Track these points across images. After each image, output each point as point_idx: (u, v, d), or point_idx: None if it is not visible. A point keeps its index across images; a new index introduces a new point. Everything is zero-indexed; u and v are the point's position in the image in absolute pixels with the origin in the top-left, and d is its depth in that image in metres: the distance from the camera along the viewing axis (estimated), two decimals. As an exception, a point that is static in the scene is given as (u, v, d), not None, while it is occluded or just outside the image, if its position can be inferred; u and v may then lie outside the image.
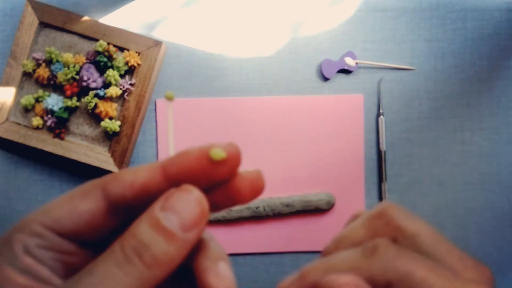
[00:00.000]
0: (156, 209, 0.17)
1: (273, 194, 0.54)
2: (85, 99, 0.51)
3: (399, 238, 0.21)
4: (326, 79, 0.55)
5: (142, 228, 0.16)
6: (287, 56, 0.55)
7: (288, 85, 0.55)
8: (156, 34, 0.54)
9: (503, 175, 0.56)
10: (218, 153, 0.17)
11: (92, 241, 0.19)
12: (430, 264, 0.20)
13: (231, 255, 0.55)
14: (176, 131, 0.54)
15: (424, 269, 0.19)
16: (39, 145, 0.52)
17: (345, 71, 0.55)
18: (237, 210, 0.53)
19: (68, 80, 0.52)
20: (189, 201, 0.17)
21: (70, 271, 0.18)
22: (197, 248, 0.19)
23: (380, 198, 0.55)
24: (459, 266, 0.21)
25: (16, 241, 0.17)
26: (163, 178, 0.18)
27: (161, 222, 0.16)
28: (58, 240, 0.18)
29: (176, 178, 0.18)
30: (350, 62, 0.54)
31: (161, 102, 0.54)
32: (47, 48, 0.51)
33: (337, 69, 0.54)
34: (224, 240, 0.54)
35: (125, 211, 0.18)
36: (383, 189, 0.54)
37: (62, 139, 0.52)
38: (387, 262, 0.19)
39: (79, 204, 0.18)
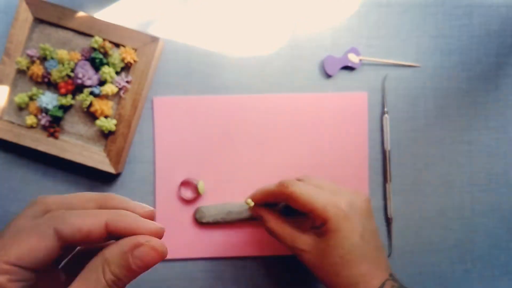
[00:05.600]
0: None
1: (274, 195, 0.53)
2: (80, 97, 0.50)
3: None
4: (328, 76, 0.53)
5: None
6: (288, 53, 0.54)
7: (289, 83, 0.54)
8: (153, 30, 0.53)
9: (510, 175, 0.55)
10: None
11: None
12: (307, 187, 0.42)
13: (231, 258, 0.53)
14: (174, 130, 0.53)
15: (299, 188, 0.41)
16: (33, 145, 0.51)
17: (349, 68, 0.54)
18: (237, 212, 0.51)
19: (62, 77, 0.50)
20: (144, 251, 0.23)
21: None
22: None
23: (385, 198, 0.54)
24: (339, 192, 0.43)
25: None
26: (104, 229, 0.24)
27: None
28: (24, 272, 0.22)
29: (114, 232, 0.24)
30: (353, 58, 0.53)
31: (158, 100, 0.53)
32: (41, 45, 0.50)
33: (340, 66, 0.53)
34: (224, 243, 0.53)
35: (75, 245, 0.26)
36: (387, 190, 0.53)
37: (56, 138, 0.51)
38: (281, 187, 0.43)
39: (37, 244, 0.22)
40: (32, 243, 0.22)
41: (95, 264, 0.23)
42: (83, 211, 0.24)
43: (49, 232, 0.22)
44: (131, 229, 0.24)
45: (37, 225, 0.23)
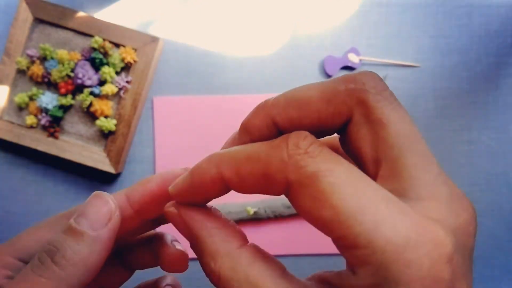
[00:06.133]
0: (71, 219, 0.18)
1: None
2: (80, 97, 0.50)
3: (357, 119, 0.16)
4: (328, 76, 0.53)
5: (56, 236, 0.18)
6: (288, 53, 0.54)
7: (289, 83, 0.54)
8: (153, 30, 0.53)
9: (510, 175, 0.54)
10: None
11: None
12: (355, 174, 0.14)
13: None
14: (174, 130, 0.53)
15: (344, 176, 0.14)
16: (33, 145, 0.51)
17: (349, 68, 0.53)
18: (237, 212, 0.51)
19: (62, 77, 0.50)
20: (97, 204, 0.18)
21: None
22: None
23: (384, 199, 0.54)
24: (427, 191, 0.14)
25: None
26: (128, 204, 0.20)
27: (72, 226, 0.17)
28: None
29: (140, 206, 0.20)
30: (353, 58, 0.53)
31: (158, 100, 0.53)
32: (41, 45, 0.50)
33: (340, 66, 0.53)
34: (224, 243, 0.53)
35: None
36: (387, 190, 0.53)
37: (56, 138, 0.51)
38: (293, 156, 0.14)
39: (46, 233, 0.19)
40: (41, 234, 0.19)
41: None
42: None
43: (62, 222, 0.19)
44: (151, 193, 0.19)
45: (50, 218, 0.20)
